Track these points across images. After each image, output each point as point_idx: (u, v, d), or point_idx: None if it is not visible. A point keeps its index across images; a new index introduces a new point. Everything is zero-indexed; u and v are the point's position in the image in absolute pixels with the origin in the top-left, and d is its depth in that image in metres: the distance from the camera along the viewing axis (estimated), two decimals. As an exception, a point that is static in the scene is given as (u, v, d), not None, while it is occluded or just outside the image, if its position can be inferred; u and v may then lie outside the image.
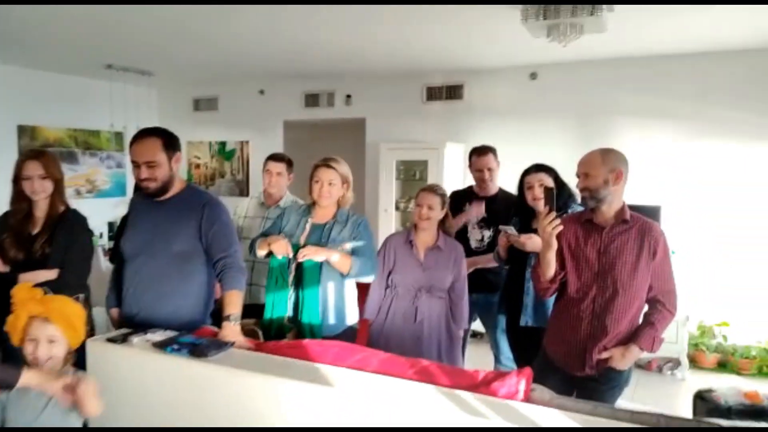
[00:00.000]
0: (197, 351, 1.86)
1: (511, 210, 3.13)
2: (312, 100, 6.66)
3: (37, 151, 2.67)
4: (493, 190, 3.62)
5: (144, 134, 2.36)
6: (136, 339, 2.02)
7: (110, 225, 6.40)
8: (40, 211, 2.63)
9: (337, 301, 2.74)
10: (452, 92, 5.94)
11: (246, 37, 4.68)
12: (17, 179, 2.58)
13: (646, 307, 2.41)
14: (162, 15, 4.04)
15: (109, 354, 2.02)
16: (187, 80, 6.99)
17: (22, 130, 6.06)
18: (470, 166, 3.65)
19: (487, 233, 3.50)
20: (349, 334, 2.80)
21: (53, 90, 6.31)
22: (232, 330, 2.15)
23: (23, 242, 2.57)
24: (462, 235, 3.47)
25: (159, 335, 2.08)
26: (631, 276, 2.32)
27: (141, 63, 5.87)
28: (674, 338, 4.45)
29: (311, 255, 2.59)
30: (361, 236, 2.76)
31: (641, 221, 2.38)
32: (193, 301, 2.39)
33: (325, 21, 4.14)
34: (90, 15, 4.03)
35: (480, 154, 3.60)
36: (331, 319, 2.71)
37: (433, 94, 6.04)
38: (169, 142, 2.38)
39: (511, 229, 2.87)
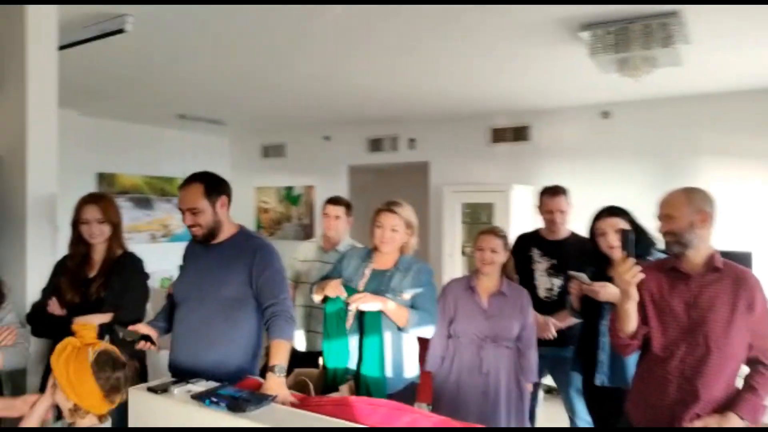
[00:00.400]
0: (235, 405, 1.74)
1: (584, 256, 2.87)
2: (376, 144, 6.65)
3: (96, 195, 2.68)
4: (563, 233, 3.37)
5: (188, 181, 2.33)
6: (176, 389, 1.93)
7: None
8: (98, 254, 2.64)
9: (395, 353, 2.56)
10: (519, 133, 5.77)
11: (311, 85, 4.75)
12: (76, 223, 2.61)
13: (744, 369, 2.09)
14: (231, 66, 4.17)
15: (150, 403, 1.92)
16: (257, 128, 7.20)
17: (102, 178, 6.37)
18: (540, 207, 3.42)
19: (557, 281, 3.23)
20: (409, 390, 2.61)
21: (130, 139, 6.64)
22: (276, 382, 2.01)
23: (79, 285, 2.57)
24: (529, 284, 3.21)
25: (201, 386, 1.97)
26: (726, 332, 2.01)
27: (212, 113, 6.09)
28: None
29: (363, 302, 2.44)
30: (423, 286, 2.59)
31: (735, 269, 2.09)
32: (241, 349, 2.29)
33: (387, 66, 4.13)
34: (164, 68, 4.22)
35: (552, 194, 3.36)
36: (389, 373, 2.53)
37: (499, 135, 5.88)
38: (212, 188, 2.32)
39: (583, 276, 2.61)
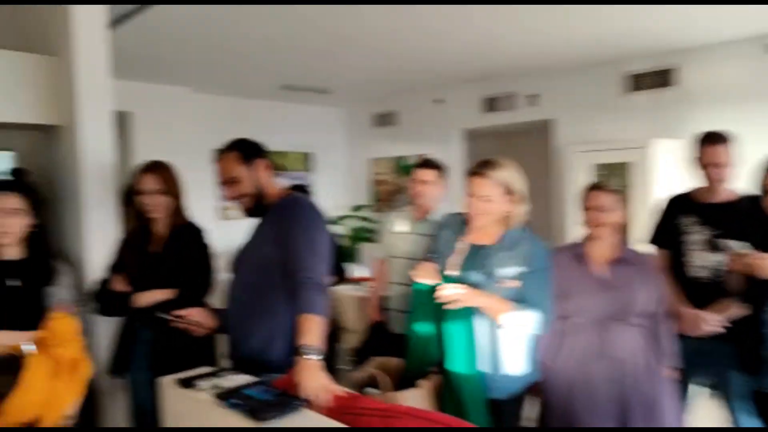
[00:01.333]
0: (254, 410, 1.40)
1: (753, 222, 2.14)
2: (491, 104, 6.05)
3: (155, 164, 2.46)
4: (727, 194, 2.55)
5: (221, 151, 2.12)
6: (204, 383, 1.64)
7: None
8: (160, 228, 2.46)
9: (494, 343, 2.07)
10: (661, 79, 4.84)
11: (420, 41, 4.36)
12: (134, 194, 2.44)
13: None
14: (334, 31, 3.94)
15: (177, 397, 1.67)
16: (366, 96, 6.93)
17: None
18: (699, 158, 2.60)
19: (716, 258, 2.45)
20: (523, 395, 2.17)
21: (241, 114, 6.59)
22: (306, 368, 1.62)
23: (142, 261, 2.42)
24: (677, 259, 2.52)
25: (231, 380, 1.67)
26: None
27: (318, 81, 5.87)
28: None
29: (454, 298, 1.98)
30: (534, 271, 2.06)
31: None
32: (284, 327, 1.91)
33: (502, 14, 3.64)
34: (265, 36, 4.06)
35: (713, 142, 2.54)
36: (488, 370, 2.07)
37: (636, 83, 4.99)
38: (248, 153, 2.09)
39: (737, 246, 1.92)
